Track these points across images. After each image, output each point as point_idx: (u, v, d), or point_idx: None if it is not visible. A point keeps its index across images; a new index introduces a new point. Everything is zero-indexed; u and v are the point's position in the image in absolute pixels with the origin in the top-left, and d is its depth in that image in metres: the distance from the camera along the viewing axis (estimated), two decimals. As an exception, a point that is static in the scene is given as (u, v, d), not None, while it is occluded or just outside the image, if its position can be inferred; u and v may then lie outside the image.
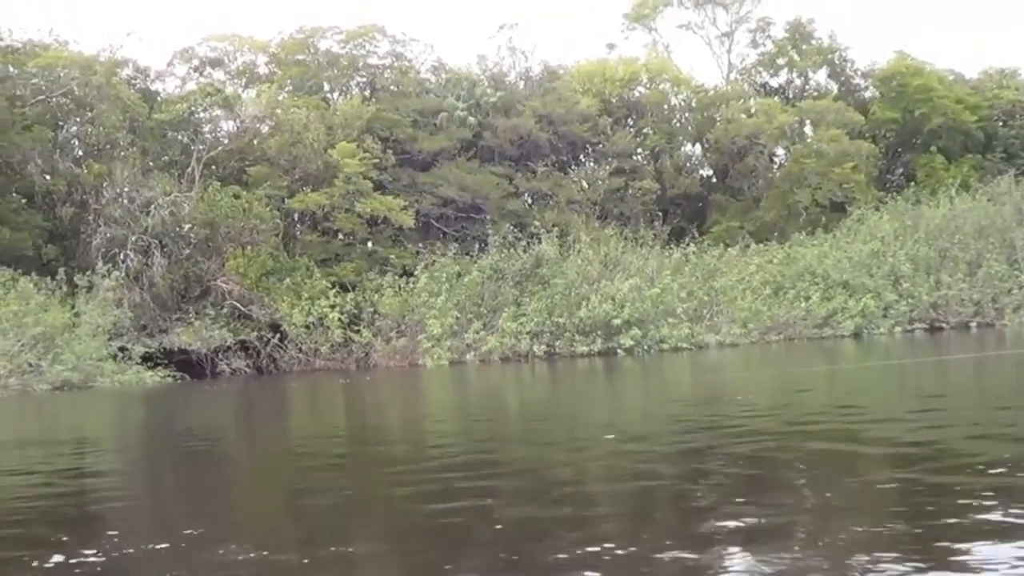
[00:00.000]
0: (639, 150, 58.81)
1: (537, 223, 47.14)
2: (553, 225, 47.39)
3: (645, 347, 40.24)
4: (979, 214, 48.26)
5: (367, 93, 55.19)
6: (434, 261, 44.78)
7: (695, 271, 45.72)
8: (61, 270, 39.87)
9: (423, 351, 40.64)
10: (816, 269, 46.17)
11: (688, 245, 48.56)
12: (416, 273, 44.37)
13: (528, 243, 45.35)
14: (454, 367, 38.93)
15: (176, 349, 41.32)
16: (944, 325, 44.52)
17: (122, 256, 42.22)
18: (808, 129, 59.46)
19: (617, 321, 40.48)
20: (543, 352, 40.49)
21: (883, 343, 38.71)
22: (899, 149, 61.05)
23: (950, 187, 50.97)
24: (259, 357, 42.65)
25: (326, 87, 55.95)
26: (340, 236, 48.96)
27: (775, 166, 59.65)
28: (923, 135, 58.88)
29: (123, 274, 41.53)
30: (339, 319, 42.24)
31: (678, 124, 61.15)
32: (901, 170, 60.06)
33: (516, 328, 40.77)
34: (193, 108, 47.98)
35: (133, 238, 42.60)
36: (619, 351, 39.97)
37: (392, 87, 55.13)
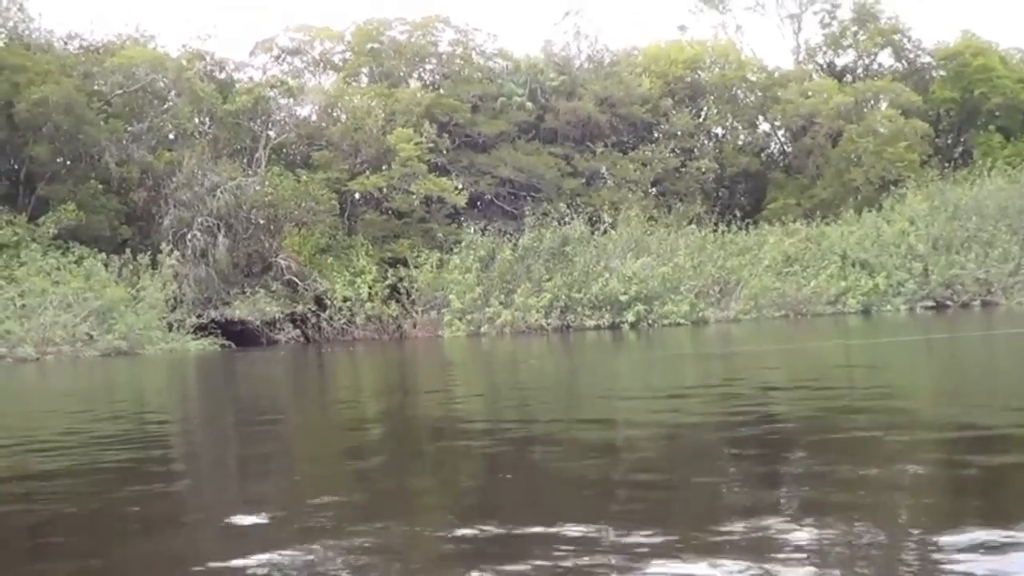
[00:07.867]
0: (700, 130, 60.91)
1: (563, 205, 49.94)
2: (590, 207, 50.16)
3: (648, 322, 42.86)
4: (1002, 195, 49.02)
5: (436, 79, 58.79)
6: (480, 239, 47.94)
7: (718, 249, 47.83)
8: (127, 250, 44.64)
9: (444, 324, 44.10)
10: (836, 248, 47.77)
11: (718, 224, 50.57)
12: (456, 251, 47.78)
13: (559, 223, 48.15)
14: (469, 339, 42.20)
15: (236, 320, 45.73)
16: (950, 304, 45.76)
17: (189, 236, 46.72)
18: (882, 107, 60.50)
19: (624, 297, 43.20)
20: (552, 326, 43.47)
21: (888, 320, 40.31)
22: (960, 128, 61.58)
23: (982, 167, 51.77)
24: (307, 327, 46.75)
25: (401, 73, 59.53)
26: (398, 215, 52.62)
27: (836, 145, 60.79)
28: (982, 114, 59.41)
29: (189, 252, 46.06)
30: (377, 293, 46.00)
31: (741, 104, 62.82)
32: (960, 148, 60.63)
33: (534, 303, 43.79)
34: (258, 99, 52.17)
35: (199, 219, 47.02)
36: (624, 325, 42.72)
37: (457, 73, 58.47)
